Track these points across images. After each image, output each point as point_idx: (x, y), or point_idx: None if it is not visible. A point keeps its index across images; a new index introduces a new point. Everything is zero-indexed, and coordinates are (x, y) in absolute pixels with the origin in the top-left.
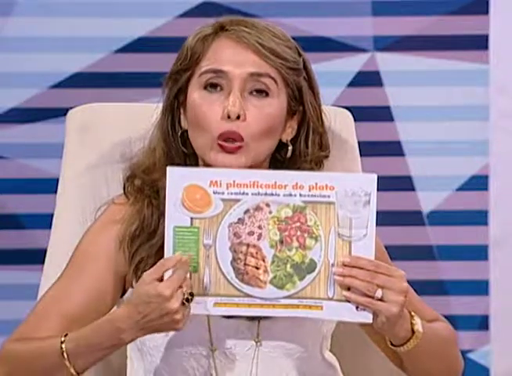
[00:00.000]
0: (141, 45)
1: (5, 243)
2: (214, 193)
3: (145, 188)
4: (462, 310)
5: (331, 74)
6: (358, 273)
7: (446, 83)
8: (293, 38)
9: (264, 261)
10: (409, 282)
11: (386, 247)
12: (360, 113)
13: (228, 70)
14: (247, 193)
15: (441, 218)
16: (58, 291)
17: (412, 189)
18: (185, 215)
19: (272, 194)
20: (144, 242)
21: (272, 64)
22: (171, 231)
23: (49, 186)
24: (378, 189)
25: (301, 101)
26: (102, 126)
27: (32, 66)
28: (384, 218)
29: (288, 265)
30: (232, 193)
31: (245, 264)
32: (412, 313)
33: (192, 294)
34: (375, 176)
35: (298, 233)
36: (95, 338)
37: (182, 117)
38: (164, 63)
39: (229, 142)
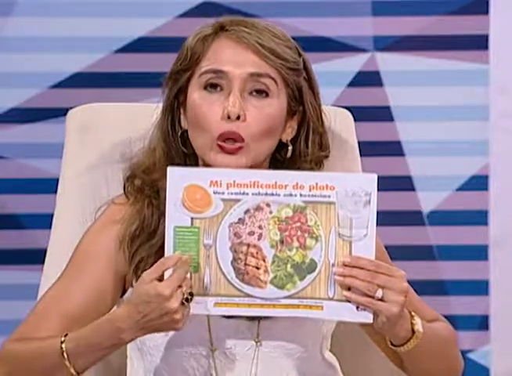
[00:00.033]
0: (141, 45)
1: (5, 243)
2: (214, 193)
3: (145, 188)
4: (462, 310)
5: (331, 74)
6: (358, 273)
7: (446, 83)
8: (293, 38)
9: (264, 261)
10: (409, 282)
11: (386, 247)
12: (360, 113)
13: (229, 70)
14: (248, 193)
15: (441, 218)
16: (58, 290)
17: (412, 189)
18: (185, 215)
19: (272, 194)
20: (144, 242)
21: (272, 64)
22: (171, 231)
23: (49, 186)
24: (378, 189)
25: (301, 101)
26: (102, 126)
27: (32, 66)
28: (384, 218)
29: (288, 265)
30: (232, 193)
31: (245, 264)
32: (413, 313)
33: (191, 294)
34: (375, 176)
35: (299, 233)
36: (95, 337)
37: (182, 117)
38: (164, 63)
39: (229, 142)
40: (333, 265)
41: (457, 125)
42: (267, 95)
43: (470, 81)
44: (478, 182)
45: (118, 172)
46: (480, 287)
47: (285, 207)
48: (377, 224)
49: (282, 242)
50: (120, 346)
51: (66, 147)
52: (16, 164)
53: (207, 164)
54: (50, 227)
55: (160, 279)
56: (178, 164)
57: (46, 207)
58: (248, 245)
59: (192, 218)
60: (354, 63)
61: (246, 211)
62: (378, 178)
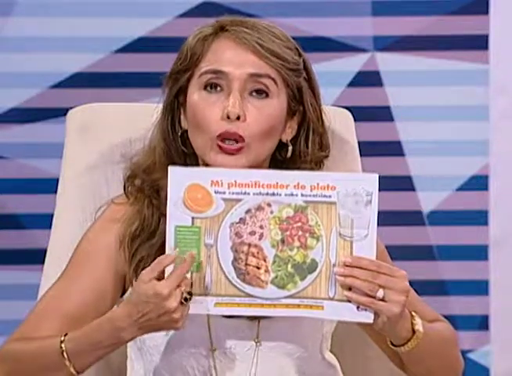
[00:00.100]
0: (141, 45)
1: (5, 243)
2: (215, 192)
3: (145, 188)
4: (462, 310)
5: (331, 74)
6: (359, 273)
7: (446, 83)
8: (293, 38)
9: (265, 261)
10: (409, 282)
11: (386, 247)
12: (360, 113)
13: (229, 70)
14: (249, 193)
15: (441, 218)
16: (58, 290)
17: (412, 189)
18: (186, 214)
19: (273, 194)
20: (144, 241)
21: (271, 65)
22: (172, 230)
23: (49, 186)
24: (379, 189)
25: (301, 101)
26: (102, 126)
27: (32, 66)
28: (385, 218)
29: (289, 265)
30: (233, 193)
31: (246, 264)
32: (413, 313)
33: (190, 293)
34: (377, 176)
35: (300, 232)
36: (95, 336)
37: (181, 117)
38: (164, 63)
39: (229, 142)
40: (334, 265)
41: (457, 125)
42: (267, 95)
43: (470, 81)
44: (478, 182)
45: (118, 172)
46: (480, 287)
47: (286, 207)
48: (378, 224)
49: (283, 242)
50: (120, 345)
51: (66, 147)
52: (16, 164)
53: (207, 164)
54: (50, 227)
55: (159, 278)
56: (179, 164)
57: (46, 207)
58: (249, 245)
59: (193, 218)
60: (354, 63)
61: (248, 211)
62: (379, 178)
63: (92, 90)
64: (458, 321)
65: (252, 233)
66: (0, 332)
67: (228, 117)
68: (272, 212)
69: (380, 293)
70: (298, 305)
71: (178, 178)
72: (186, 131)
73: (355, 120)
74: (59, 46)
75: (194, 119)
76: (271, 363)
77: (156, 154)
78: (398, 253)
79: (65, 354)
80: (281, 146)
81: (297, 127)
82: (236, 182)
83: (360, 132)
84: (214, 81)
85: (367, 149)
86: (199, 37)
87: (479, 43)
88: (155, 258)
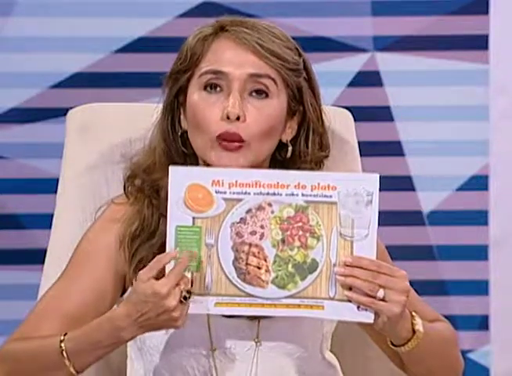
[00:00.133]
0: (141, 45)
1: (5, 243)
2: (216, 192)
3: (145, 188)
4: (462, 310)
5: (331, 74)
6: (360, 273)
7: (446, 83)
8: (293, 38)
9: (266, 260)
10: (409, 282)
11: (386, 247)
12: (360, 113)
13: (228, 71)
14: (249, 193)
15: (441, 218)
16: (58, 290)
17: (412, 189)
18: (187, 214)
19: (274, 194)
20: (144, 241)
21: (271, 65)
22: (172, 230)
23: (49, 186)
24: (379, 189)
25: (301, 101)
26: (102, 126)
27: (32, 66)
28: (384, 218)
29: (290, 265)
30: (234, 193)
31: (247, 264)
32: (413, 313)
33: (189, 292)
34: (377, 176)
35: (300, 232)
36: (95, 336)
37: (181, 117)
38: (164, 63)
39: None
40: (334, 265)
41: (457, 125)
42: (267, 95)
43: (470, 81)
44: (478, 182)
45: (118, 172)
46: (480, 287)
47: (287, 206)
48: (378, 224)
49: (283, 242)
50: (120, 345)
51: (66, 147)
52: (16, 164)
53: (207, 164)
54: (50, 227)
55: (158, 277)
56: (179, 164)
57: (46, 207)
58: (250, 245)
59: (193, 218)
60: (354, 63)
61: (248, 211)
62: (379, 178)
63: (92, 90)
64: (458, 321)
65: (253, 233)
66: (0, 332)
67: (228, 118)
68: (272, 212)
69: (381, 293)
70: (299, 305)
71: (179, 178)
72: (186, 131)
73: (355, 120)
74: (59, 46)
75: (194, 119)
76: (271, 363)
77: (157, 154)
78: (398, 253)
79: (65, 353)
80: (281, 146)
81: (297, 127)
82: (236, 181)
83: (360, 132)
84: (214, 81)
85: (367, 149)
86: (199, 38)
87: (479, 43)
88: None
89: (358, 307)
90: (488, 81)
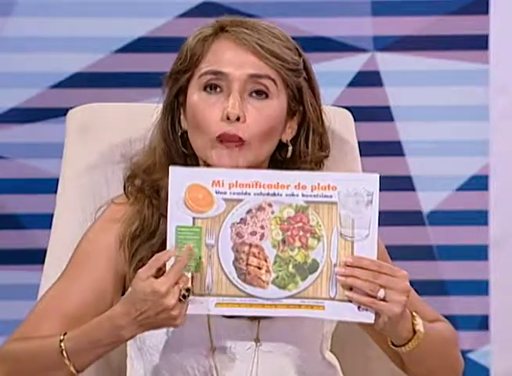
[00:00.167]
0: (141, 45)
1: (5, 243)
2: (216, 192)
3: (145, 188)
4: (462, 310)
5: (331, 74)
6: (360, 273)
7: (446, 83)
8: (293, 38)
9: (266, 261)
10: (409, 282)
11: (386, 247)
12: (360, 113)
13: (228, 71)
14: (250, 193)
15: (441, 218)
16: (58, 290)
17: (412, 189)
18: (187, 214)
19: (274, 194)
20: (144, 241)
21: (271, 66)
22: (173, 230)
23: (49, 186)
24: (379, 189)
25: (301, 101)
26: (102, 126)
27: (32, 66)
28: (384, 218)
29: (290, 265)
30: (234, 193)
31: (247, 264)
32: (414, 313)
33: (188, 290)
34: (377, 176)
35: (301, 233)
36: (94, 335)
37: (181, 117)
38: (164, 63)
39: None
40: (335, 265)
41: (457, 125)
42: (267, 96)
43: (470, 81)
44: (478, 182)
45: (118, 172)
46: (480, 287)
47: (287, 207)
48: (378, 224)
49: (284, 242)
50: (120, 344)
51: (66, 147)
52: (16, 164)
53: (207, 165)
54: (50, 227)
55: (157, 276)
56: (179, 164)
57: (46, 207)
58: (250, 245)
59: (194, 218)
60: (354, 63)
61: (249, 211)
62: (380, 178)
63: (92, 90)
64: (458, 321)
65: (253, 234)
66: (0, 332)
67: (228, 118)
68: (273, 212)
69: (381, 293)
70: (299, 306)
71: (179, 178)
72: (186, 131)
73: (355, 120)
74: (59, 46)
75: (194, 120)
76: (271, 363)
77: (157, 154)
78: (398, 253)
79: (64, 353)
80: (281, 146)
81: (297, 127)
82: (237, 182)
83: (360, 132)
84: (214, 81)
85: (367, 149)
86: (199, 38)
87: (479, 43)
88: None
89: (359, 307)
90: (488, 81)
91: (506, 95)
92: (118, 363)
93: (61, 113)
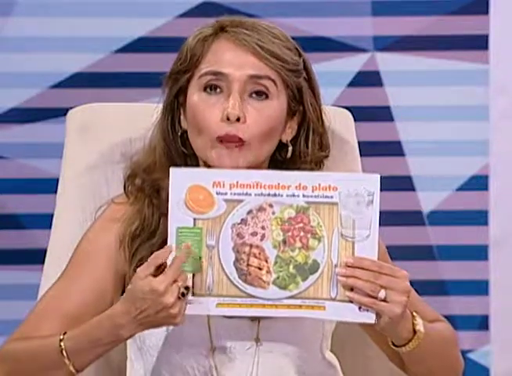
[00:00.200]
0: (141, 45)
1: (5, 243)
2: (217, 193)
3: (145, 187)
4: (462, 310)
5: (331, 74)
6: (361, 274)
7: (446, 83)
8: (293, 38)
9: (267, 261)
10: (409, 282)
11: (386, 247)
12: (360, 113)
13: (229, 72)
14: (250, 194)
15: (441, 218)
16: (58, 290)
17: (412, 189)
18: (188, 215)
19: (275, 195)
20: (144, 241)
21: (271, 66)
22: (173, 231)
23: (49, 186)
24: (379, 190)
25: (301, 101)
26: (102, 126)
27: (32, 66)
28: (384, 219)
29: (291, 266)
30: (235, 194)
31: (248, 264)
32: (414, 314)
33: (187, 288)
34: (378, 176)
35: (301, 233)
36: (94, 334)
37: (181, 117)
38: (164, 63)
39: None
40: (335, 265)
41: (457, 125)
42: (267, 96)
43: (470, 81)
44: (478, 182)
45: (118, 172)
46: (480, 287)
47: (288, 207)
48: (379, 224)
49: (284, 243)
50: (120, 343)
51: (66, 147)
52: (16, 164)
53: (207, 165)
54: (50, 227)
55: (156, 274)
56: (179, 164)
57: (46, 207)
58: (251, 246)
59: (194, 219)
60: (354, 63)
61: (249, 212)
62: (380, 178)
63: (92, 90)
64: (458, 321)
65: (254, 234)
66: (0, 332)
67: (228, 119)
68: (273, 213)
69: (382, 293)
70: (300, 306)
71: (180, 179)
72: (186, 131)
73: (355, 120)
74: (59, 46)
75: (194, 120)
76: (271, 363)
77: (157, 154)
78: (398, 253)
79: (64, 352)
80: (281, 146)
81: (297, 127)
82: (237, 183)
83: (360, 132)
84: (214, 82)
85: (367, 149)
86: (199, 38)
87: (479, 43)
88: None
89: (360, 308)
90: (488, 81)
91: (506, 95)
92: (118, 363)
93: (61, 113)
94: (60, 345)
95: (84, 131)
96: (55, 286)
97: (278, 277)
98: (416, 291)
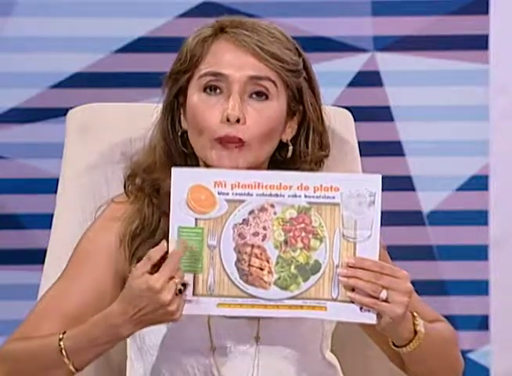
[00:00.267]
0: (141, 45)
1: (5, 243)
2: (218, 193)
3: (145, 187)
4: (462, 310)
5: (331, 74)
6: (362, 274)
7: (446, 83)
8: (293, 38)
9: (268, 262)
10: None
11: (387, 247)
12: (360, 113)
13: (229, 73)
14: (252, 194)
15: (441, 218)
16: (58, 290)
17: (412, 189)
18: (189, 215)
19: (276, 195)
20: (144, 240)
21: (271, 67)
22: (175, 231)
23: (49, 186)
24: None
25: (301, 101)
26: (102, 126)
27: (32, 66)
28: (385, 219)
29: (292, 266)
30: (236, 194)
31: (249, 265)
32: (415, 314)
33: (184, 285)
34: (380, 177)
35: (303, 233)
36: (93, 333)
37: (181, 117)
38: (164, 63)
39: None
40: (337, 266)
41: (457, 125)
42: (267, 97)
43: (470, 81)
44: (478, 182)
45: (118, 172)
46: (480, 287)
47: (289, 208)
48: (380, 224)
49: (286, 243)
50: (119, 341)
51: (66, 147)
52: (16, 164)
53: (207, 165)
54: (50, 227)
55: (152, 272)
56: (179, 164)
57: (46, 207)
58: (252, 246)
59: (196, 219)
60: (354, 63)
61: (251, 212)
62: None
63: (92, 90)
64: (458, 321)
65: (255, 234)
66: (0, 332)
67: (228, 120)
68: (275, 213)
69: (384, 294)
70: (301, 306)
71: (182, 179)
72: (186, 131)
73: (355, 120)
74: (59, 46)
75: (194, 121)
76: (271, 362)
77: (157, 154)
78: (398, 253)
79: (64, 352)
80: (281, 146)
81: (297, 127)
82: (239, 183)
83: (360, 132)
84: (214, 83)
85: (367, 149)
86: (198, 39)
87: (479, 43)
88: None
89: (361, 308)
90: (488, 81)
91: (506, 95)
92: (118, 362)
93: (61, 113)
94: (60, 345)
95: (84, 131)
96: (55, 286)
97: (279, 278)
98: (416, 291)
